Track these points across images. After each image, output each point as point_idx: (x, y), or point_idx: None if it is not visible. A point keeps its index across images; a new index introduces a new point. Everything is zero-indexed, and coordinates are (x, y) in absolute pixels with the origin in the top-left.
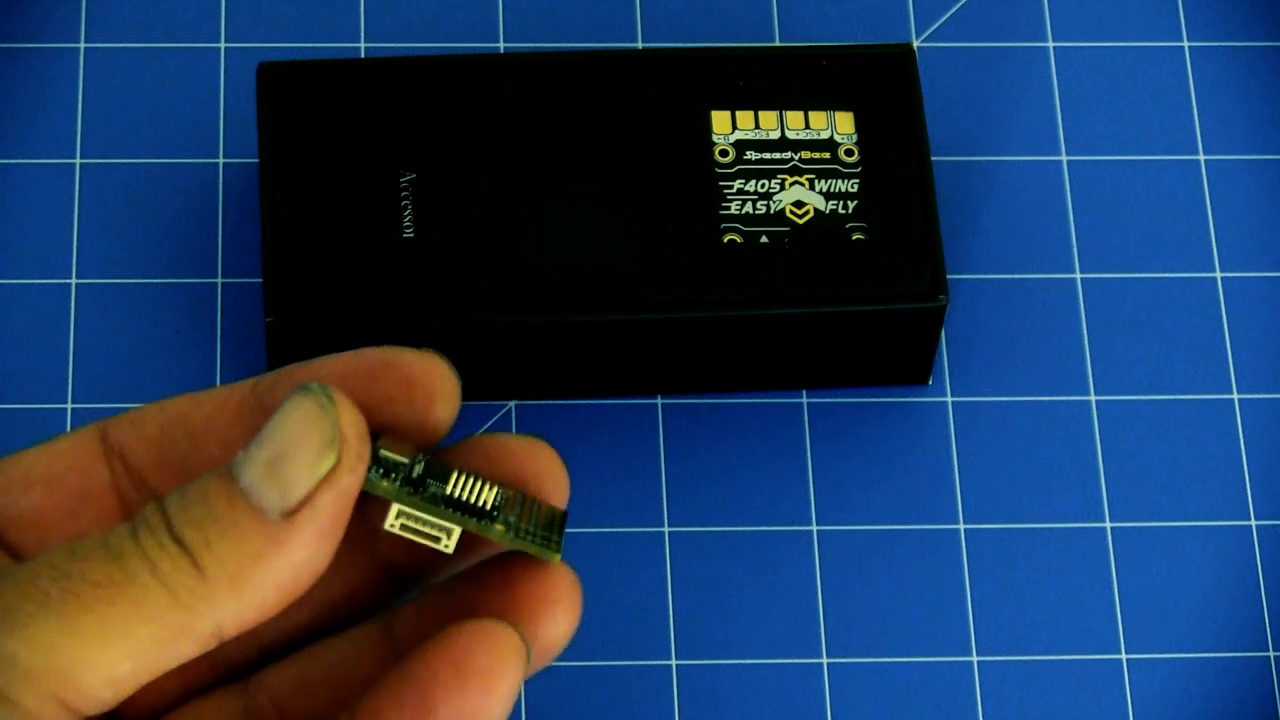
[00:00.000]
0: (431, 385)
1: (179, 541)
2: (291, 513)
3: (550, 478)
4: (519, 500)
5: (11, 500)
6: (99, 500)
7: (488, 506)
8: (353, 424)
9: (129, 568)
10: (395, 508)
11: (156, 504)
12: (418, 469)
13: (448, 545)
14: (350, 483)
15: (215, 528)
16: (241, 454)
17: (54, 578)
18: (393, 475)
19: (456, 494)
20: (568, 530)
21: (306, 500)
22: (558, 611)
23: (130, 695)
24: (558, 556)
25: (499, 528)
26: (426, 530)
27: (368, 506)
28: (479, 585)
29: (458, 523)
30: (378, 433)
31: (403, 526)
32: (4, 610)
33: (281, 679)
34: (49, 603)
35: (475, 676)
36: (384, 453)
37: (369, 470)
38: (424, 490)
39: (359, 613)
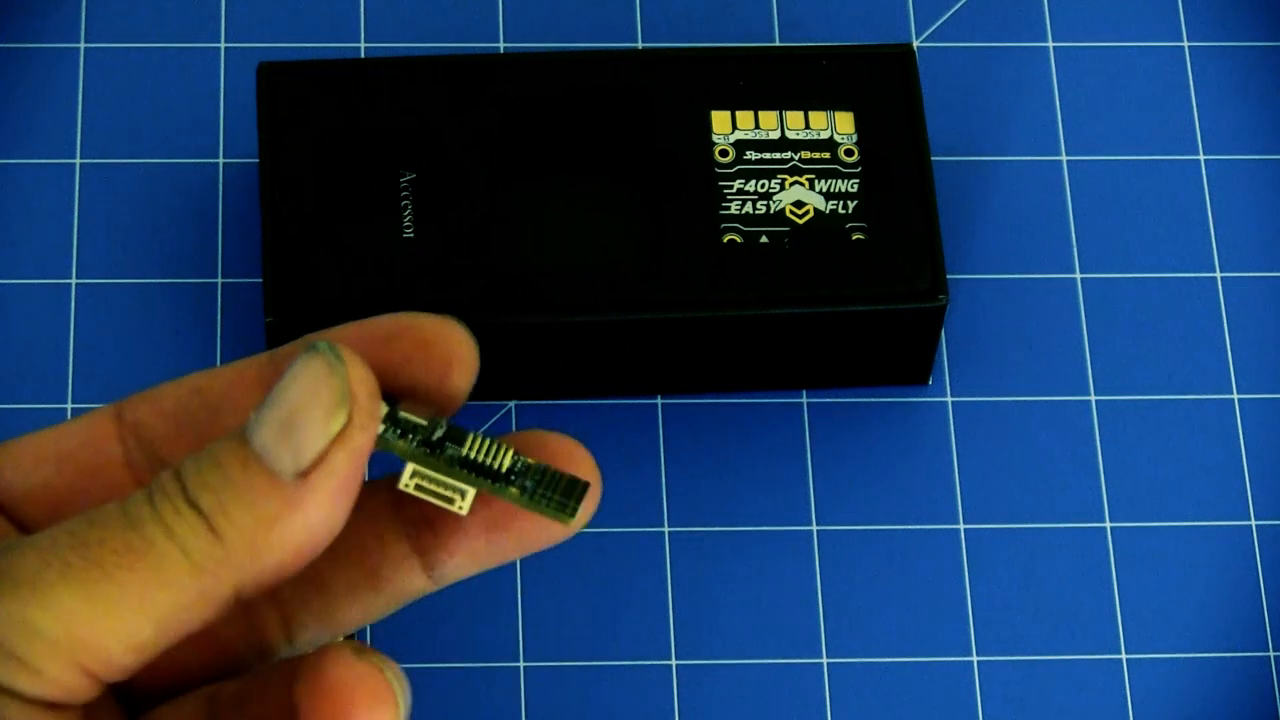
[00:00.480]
0: (449, 349)
1: (195, 507)
2: (305, 473)
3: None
4: (540, 469)
5: (23, 477)
6: (111, 476)
7: (504, 469)
8: (362, 380)
9: (147, 534)
10: (410, 467)
11: (172, 470)
12: (437, 432)
13: (461, 506)
14: (364, 440)
15: (230, 491)
16: (253, 416)
17: (73, 545)
18: (410, 436)
19: (473, 456)
20: None
21: (320, 460)
22: (359, 712)
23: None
24: (572, 519)
25: (514, 490)
26: (441, 491)
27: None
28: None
29: (472, 484)
30: (397, 397)
31: (417, 487)
32: (26, 579)
33: None
34: (70, 571)
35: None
36: (402, 414)
37: (387, 430)
38: (441, 453)
39: (380, 601)
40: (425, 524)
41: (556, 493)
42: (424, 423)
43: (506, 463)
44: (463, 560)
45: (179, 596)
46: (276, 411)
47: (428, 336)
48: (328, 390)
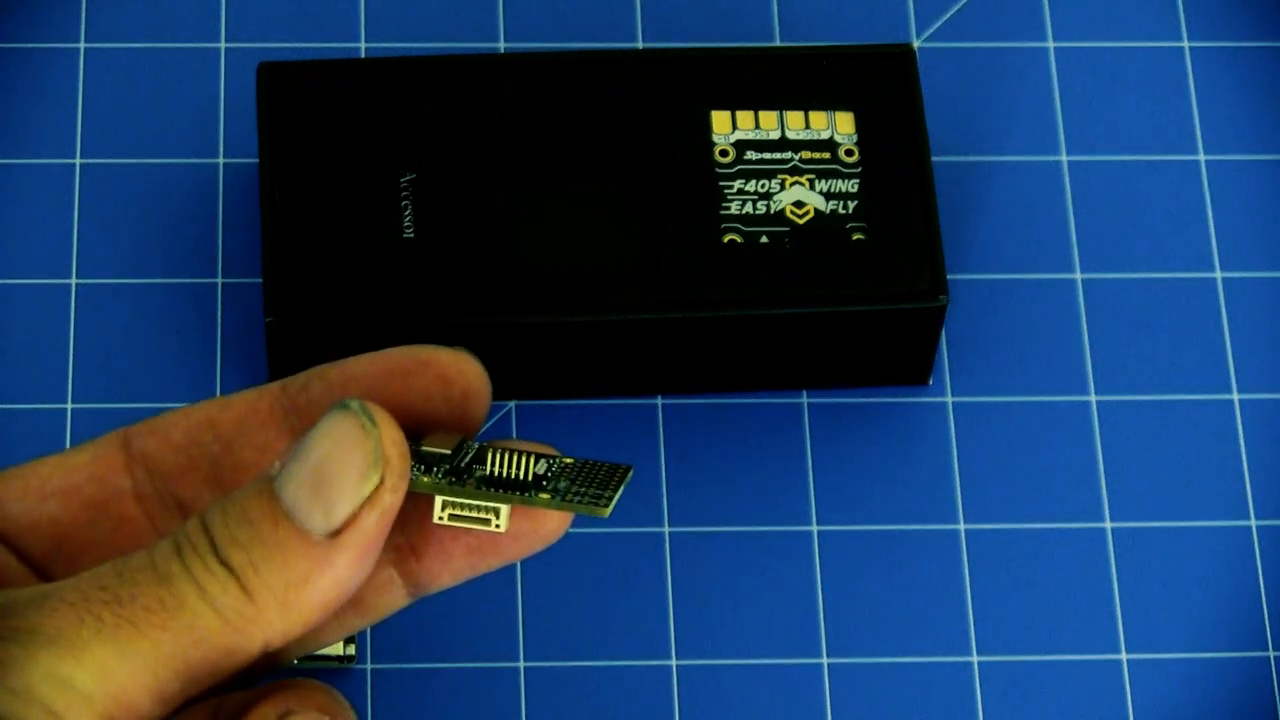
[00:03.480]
0: (466, 382)
1: (226, 564)
2: (336, 533)
3: None
4: (578, 466)
5: (29, 509)
6: (118, 509)
7: (531, 478)
8: (395, 443)
9: (178, 591)
10: (440, 500)
11: (199, 521)
12: (466, 456)
13: (498, 525)
14: (393, 501)
15: (261, 550)
16: (281, 469)
17: (105, 601)
18: (435, 470)
19: (496, 473)
20: (571, 530)
21: (351, 521)
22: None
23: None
24: (607, 510)
25: (544, 496)
26: (474, 515)
27: None
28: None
29: (503, 500)
30: (417, 433)
31: (451, 517)
32: (63, 636)
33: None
34: (103, 628)
35: None
36: (425, 449)
37: (412, 470)
38: (468, 477)
39: (362, 619)
40: (409, 548)
41: (592, 486)
42: (448, 450)
43: (534, 470)
44: (445, 579)
45: (209, 654)
46: (307, 468)
47: (446, 372)
48: (361, 453)
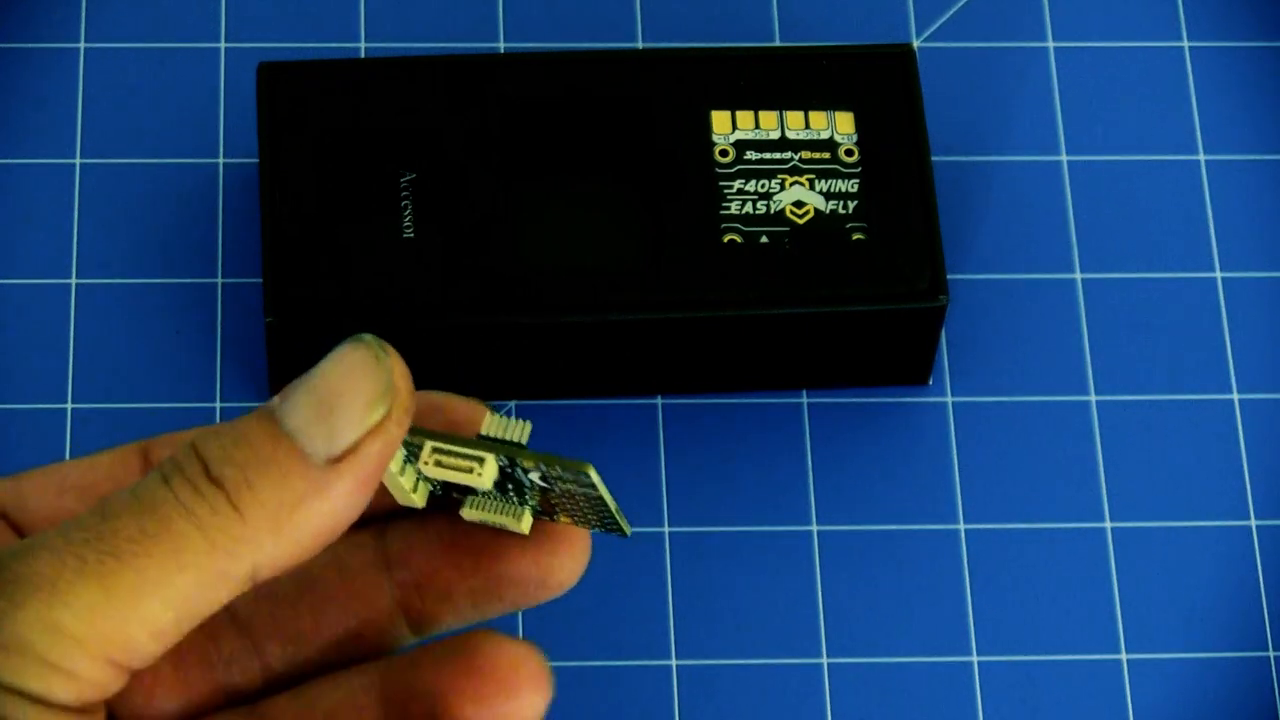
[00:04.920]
0: (476, 428)
1: (217, 482)
2: (337, 459)
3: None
4: (546, 466)
5: (46, 503)
6: None
7: (524, 441)
8: (404, 376)
9: (162, 515)
10: (430, 445)
11: (190, 445)
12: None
13: (523, 528)
14: (397, 435)
15: (257, 468)
16: (283, 397)
17: (87, 540)
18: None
19: (491, 433)
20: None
21: (353, 448)
22: (523, 692)
23: (151, 692)
24: (628, 530)
25: (564, 518)
26: (461, 464)
27: (390, 534)
28: (462, 653)
29: (491, 449)
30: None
31: (438, 463)
32: (45, 580)
33: (283, 710)
34: (85, 566)
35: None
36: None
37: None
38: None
39: (363, 653)
40: (414, 588)
41: (591, 511)
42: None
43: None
44: (449, 619)
45: (198, 577)
46: (315, 395)
47: (459, 419)
48: (372, 381)
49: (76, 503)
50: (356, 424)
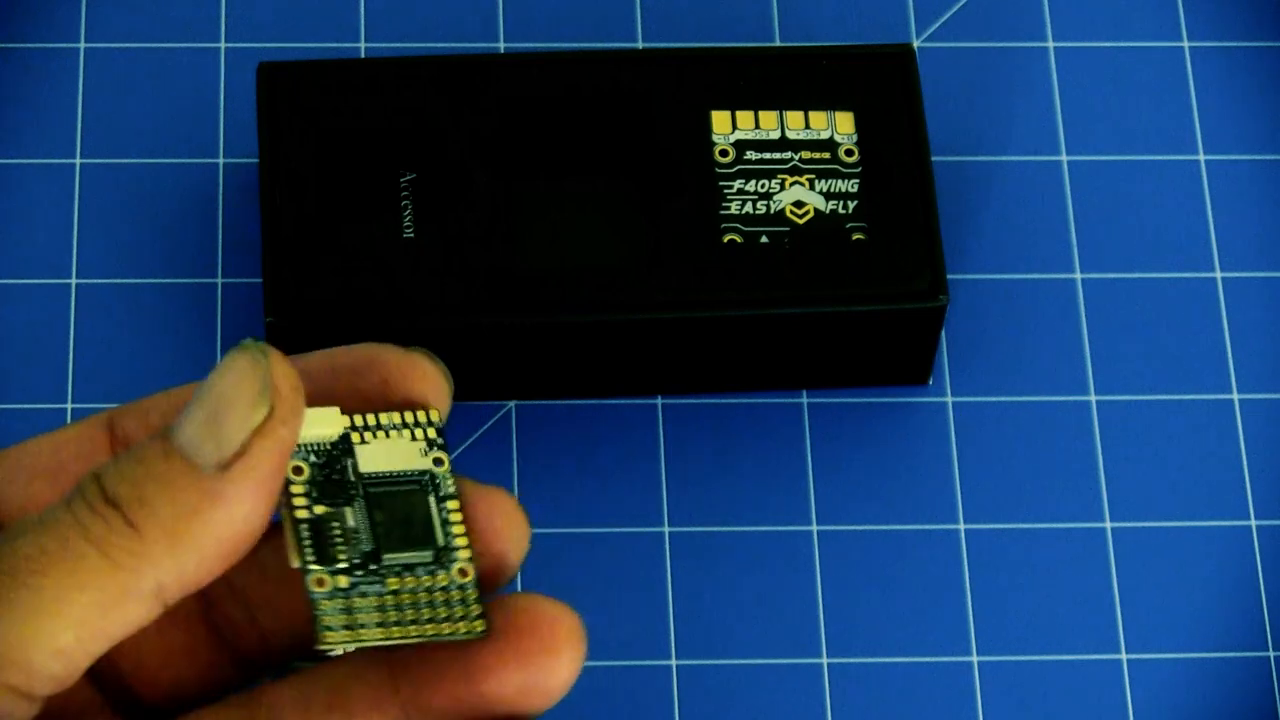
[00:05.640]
0: (409, 385)
1: (112, 501)
2: (226, 465)
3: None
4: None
5: (16, 491)
6: None
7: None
8: (285, 376)
9: (60, 534)
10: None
11: (90, 472)
12: (336, 463)
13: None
14: (286, 434)
15: (151, 484)
16: (179, 415)
17: None
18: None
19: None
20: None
21: (242, 452)
22: (563, 650)
23: (133, 685)
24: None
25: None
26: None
27: None
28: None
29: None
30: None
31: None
32: None
33: (284, 693)
34: None
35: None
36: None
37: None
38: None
39: None
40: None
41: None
42: (331, 435)
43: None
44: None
45: (98, 597)
46: (201, 408)
47: (389, 374)
48: (250, 383)
49: (47, 488)
50: (240, 427)
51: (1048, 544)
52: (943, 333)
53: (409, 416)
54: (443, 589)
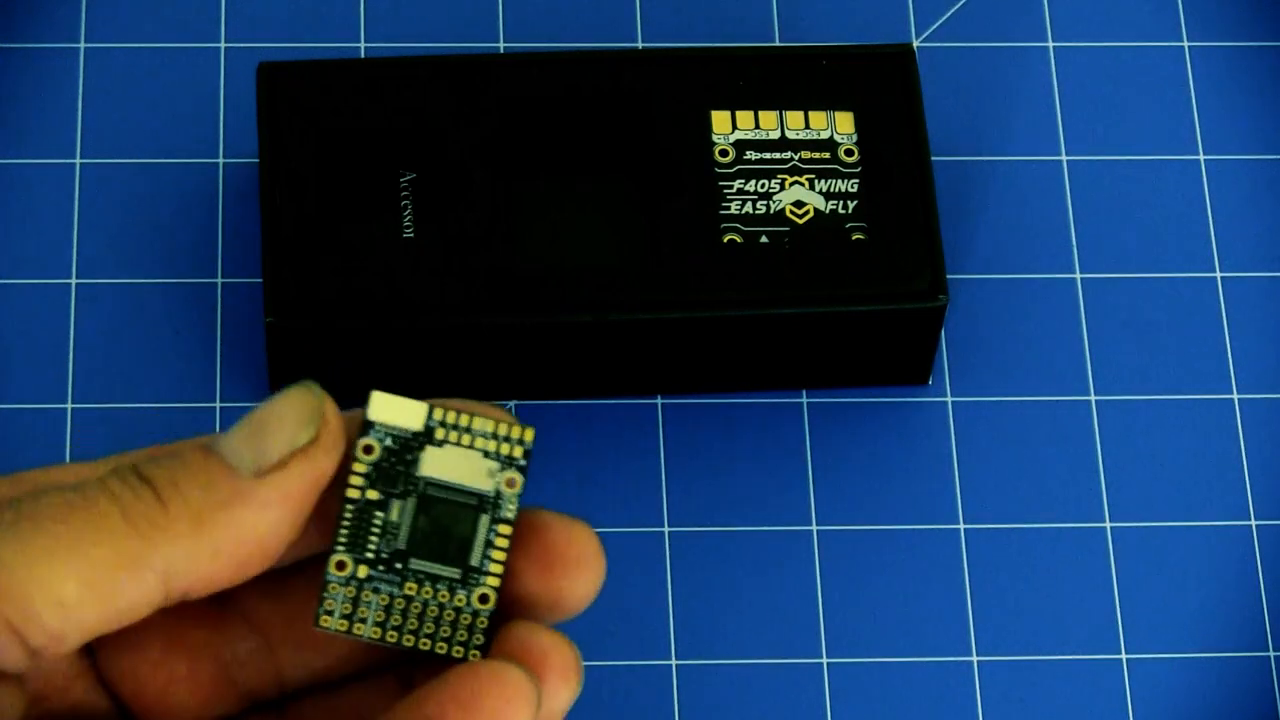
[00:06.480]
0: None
1: (146, 480)
2: (263, 474)
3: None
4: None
5: None
6: None
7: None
8: (336, 415)
9: (88, 494)
10: (377, 395)
11: (128, 457)
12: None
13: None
14: (325, 463)
15: (184, 472)
16: (223, 432)
17: (12, 505)
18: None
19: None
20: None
21: (279, 465)
22: (590, 563)
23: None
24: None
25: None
26: (404, 407)
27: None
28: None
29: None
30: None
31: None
32: None
33: (253, 601)
34: (1, 523)
35: (482, 718)
36: (380, 419)
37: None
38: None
39: (381, 662)
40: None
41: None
42: (412, 429)
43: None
44: None
45: (109, 555)
46: (248, 423)
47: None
48: (302, 407)
49: None
50: (283, 443)
51: (1048, 544)
52: (943, 333)
53: (501, 429)
54: (456, 609)
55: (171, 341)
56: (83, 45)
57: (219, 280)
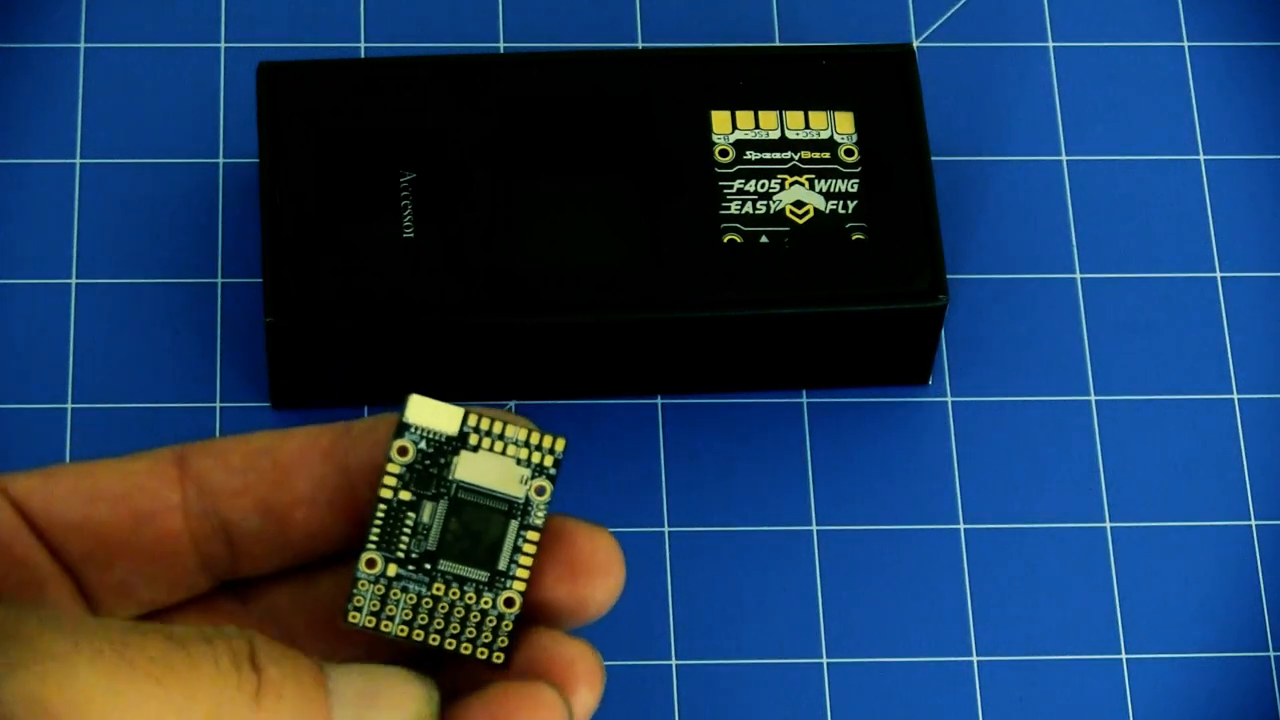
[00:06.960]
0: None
1: (257, 669)
2: None
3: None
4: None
5: (75, 508)
6: (164, 523)
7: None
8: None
9: (194, 660)
10: (415, 398)
11: (246, 632)
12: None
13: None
14: None
15: (294, 686)
16: (342, 666)
17: (109, 639)
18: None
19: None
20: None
21: None
22: (613, 570)
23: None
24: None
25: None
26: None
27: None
28: None
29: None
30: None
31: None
32: (49, 656)
33: (279, 596)
34: (100, 659)
35: None
36: (416, 421)
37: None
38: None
39: (403, 662)
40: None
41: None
42: (448, 433)
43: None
44: None
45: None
46: (367, 681)
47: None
48: (419, 705)
49: (108, 512)
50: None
51: (1048, 544)
52: (943, 333)
53: (534, 438)
54: (482, 611)
55: (171, 341)
56: (83, 45)
57: (219, 280)
